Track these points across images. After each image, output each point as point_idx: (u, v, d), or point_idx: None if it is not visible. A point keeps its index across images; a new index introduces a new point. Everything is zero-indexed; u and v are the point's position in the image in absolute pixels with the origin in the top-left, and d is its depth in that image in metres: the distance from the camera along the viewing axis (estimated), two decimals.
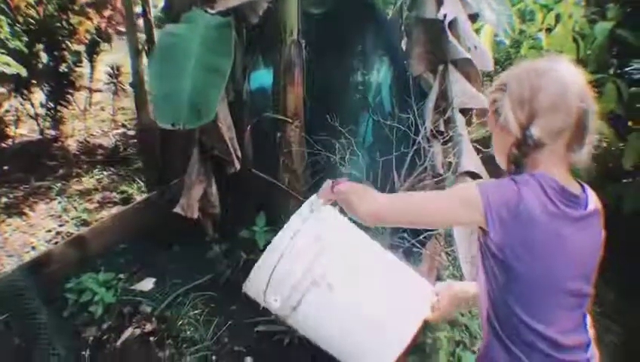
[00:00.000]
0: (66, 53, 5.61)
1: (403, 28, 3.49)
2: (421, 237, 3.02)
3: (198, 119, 2.17)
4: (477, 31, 3.32)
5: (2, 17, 4.40)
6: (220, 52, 2.28)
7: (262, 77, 3.73)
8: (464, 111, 3.08)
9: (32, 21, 5.06)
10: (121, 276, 3.39)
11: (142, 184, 5.09)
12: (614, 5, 3.65)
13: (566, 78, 1.21)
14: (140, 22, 4.00)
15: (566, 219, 1.21)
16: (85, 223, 4.47)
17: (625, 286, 3.36)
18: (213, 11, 2.51)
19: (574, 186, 1.27)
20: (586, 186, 1.31)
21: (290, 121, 3.00)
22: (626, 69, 3.73)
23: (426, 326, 3.11)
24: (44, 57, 5.45)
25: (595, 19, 3.72)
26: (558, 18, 3.84)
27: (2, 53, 3.96)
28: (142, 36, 4.19)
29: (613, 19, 3.54)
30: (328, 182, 1.59)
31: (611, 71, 3.55)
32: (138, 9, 4.50)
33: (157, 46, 2.44)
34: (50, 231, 4.37)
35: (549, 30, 3.88)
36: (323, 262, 1.55)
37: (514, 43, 4.74)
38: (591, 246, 1.29)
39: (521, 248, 1.19)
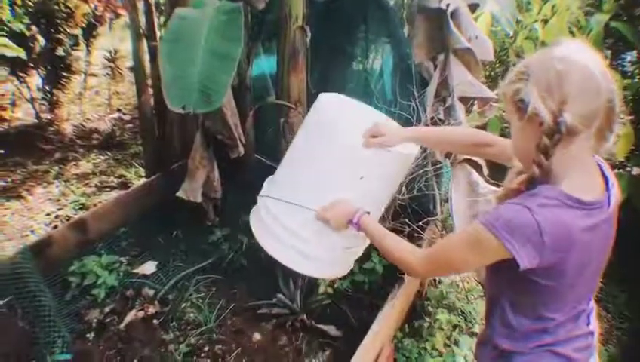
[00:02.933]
0: (62, 36, 5.57)
1: (405, 15, 3.51)
2: (421, 223, 3.09)
3: (208, 104, 2.18)
4: (475, 19, 3.35)
5: None
6: (230, 37, 2.28)
7: (261, 62, 3.74)
8: (464, 100, 3.13)
9: (30, 3, 5.01)
10: (123, 259, 3.42)
11: (139, 168, 5.10)
12: None
13: (589, 60, 1.15)
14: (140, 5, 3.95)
15: (589, 231, 1.19)
16: (83, 207, 4.48)
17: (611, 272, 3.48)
18: None
19: (597, 186, 1.24)
20: (609, 176, 1.28)
21: (294, 107, 3.01)
22: (620, 61, 3.80)
23: (424, 310, 3.20)
24: (41, 40, 5.41)
25: (591, 11, 3.77)
26: (554, 9, 3.88)
27: (2, 35, 3.93)
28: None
29: (609, 11, 3.59)
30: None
31: (606, 62, 3.61)
32: None
33: (168, 29, 2.42)
34: (48, 214, 4.37)
35: (545, 21, 3.91)
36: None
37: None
38: (609, 242, 1.31)
39: (552, 271, 1.20)
